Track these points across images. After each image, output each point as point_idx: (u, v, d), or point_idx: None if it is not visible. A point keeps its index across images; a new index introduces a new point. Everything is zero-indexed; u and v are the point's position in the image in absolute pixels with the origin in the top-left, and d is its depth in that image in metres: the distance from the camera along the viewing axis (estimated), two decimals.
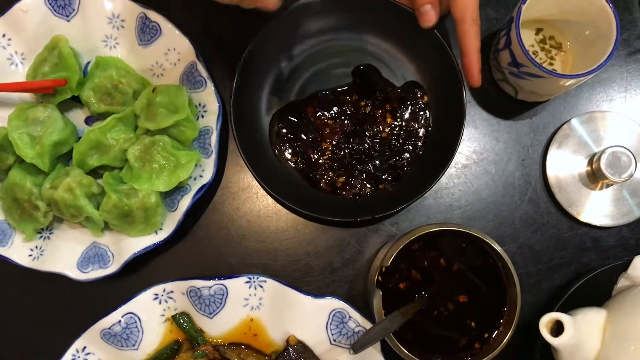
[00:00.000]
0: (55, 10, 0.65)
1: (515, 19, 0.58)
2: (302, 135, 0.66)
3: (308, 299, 0.60)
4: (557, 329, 0.55)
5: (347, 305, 0.60)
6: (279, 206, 0.66)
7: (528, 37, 0.67)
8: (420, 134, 0.66)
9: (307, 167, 0.66)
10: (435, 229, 0.56)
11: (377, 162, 0.65)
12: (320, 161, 0.66)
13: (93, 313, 0.62)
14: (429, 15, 0.59)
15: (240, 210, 0.66)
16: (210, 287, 0.60)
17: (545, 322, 0.54)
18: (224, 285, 0.60)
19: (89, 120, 0.66)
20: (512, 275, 0.56)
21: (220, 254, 0.66)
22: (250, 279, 0.61)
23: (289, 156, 0.66)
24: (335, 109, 0.66)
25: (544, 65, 0.65)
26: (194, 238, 0.66)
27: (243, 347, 0.62)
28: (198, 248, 0.66)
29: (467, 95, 0.63)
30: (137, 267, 0.64)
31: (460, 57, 0.59)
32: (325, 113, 0.66)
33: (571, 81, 0.59)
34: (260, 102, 0.67)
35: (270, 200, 0.66)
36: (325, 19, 0.67)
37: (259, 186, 0.66)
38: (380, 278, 0.57)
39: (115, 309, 0.60)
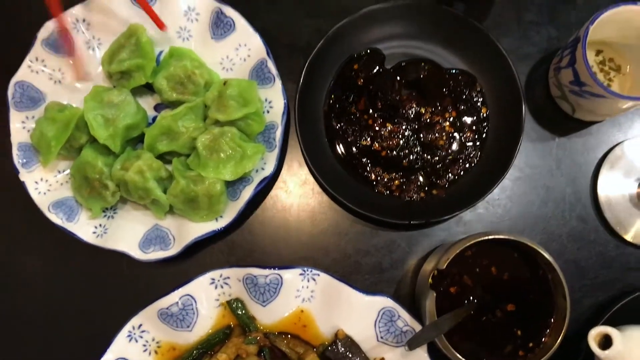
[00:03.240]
0: (133, 0, 0.67)
1: (582, 39, 0.60)
2: (360, 136, 0.68)
3: (359, 295, 0.62)
4: (605, 342, 0.56)
5: (397, 305, 0.62)
6: (333, 203, 0.68)
7: (588, 58, 0.68)
8: (477, 144, 0.68)
9: (364, 167, 0.67)
10: (490, 237, 0.57)
11: (433, 167, 0.67)
12: (377, 162, 0.67)
13: (147, 292, 0.65)
14: None
15: (296, 204, 0.68)
16: (266, 276, 0.62)
17: (594, 335, 0.56)
18: (279, 275, 0.62)
19: (158, 107, 0.69)
20: (562, 287, 0.57)
21: (274, 244, 0.68)
22: (304, 271, 0.63)
23: (346, 156, 0.68)
24: (395, 111, 0.68)
25: None
26: (250, 228, 0.68)
27: (291, 337, 0.64)
28: (253, 237, 0.68)
29: (525, 112, 0.65)
30: (192, 250, 0.66)
31: None
32: (386, 115, 0.68)
33: (630, 103, 0.61)
34: (322, 101, 0.69)
35: (325, 197, 0.68)
36: (390, 26, 0.69)
37: (316, 183, 0.68)
38: (431, 280, 0.59)
39: (174, 290, 0.62)
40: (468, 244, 0.57)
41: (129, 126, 0.64)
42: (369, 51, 0.69)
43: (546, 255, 0.57)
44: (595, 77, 0.59)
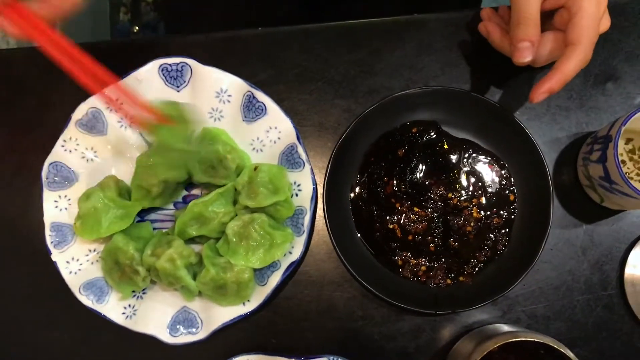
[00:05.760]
0: (167, 81, 0.68)
1: (614, 138, 0.60)
2: (386, 219, 0.68)
3: None
4: None
5: None
6: (360, 287, 0.68)
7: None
8: (504, 231, 0.68)
9: (391, 251, 0.68)
10: (517, 339, 0.58)
11: (459, 254, 0.67)
12: (404, 246, 0.68)
13: None
14: (525, 52, 0.59)
15: (322, 286, 0.69)
16: None
17: None
18: None
19: (188, 187, 0.70)
20: None
21: (300, 327, 0.68)
22: (329, 359, 0.63)
23: (372, 239, 0.68)
24: (422, 196, 0.68)
25: (631, 175, 0.67)
26: (275, 309, 0.69)
27: None
28: (278, 319, 0.68)
29: (554, 200, 0.65)
30: (217, 331, 0.67)
31: (550, 70, 0.59)
32: (412, 200, 0.68)
33: None
34: (350, 183, 0.70)
35: (351, 280, 0.69)
36: (420, 111, 0.70)
37: (343, 266, 0.68)
38: None
39: None
40: (496, 345, 0.58)
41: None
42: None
43: (571, 355, 0.57)
44: (626, 179, 0.59)
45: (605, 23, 0.62)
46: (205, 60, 0.68)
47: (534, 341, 0.58)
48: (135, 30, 1.60)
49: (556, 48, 0.62)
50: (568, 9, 0.60)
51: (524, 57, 0.60)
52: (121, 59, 0.71)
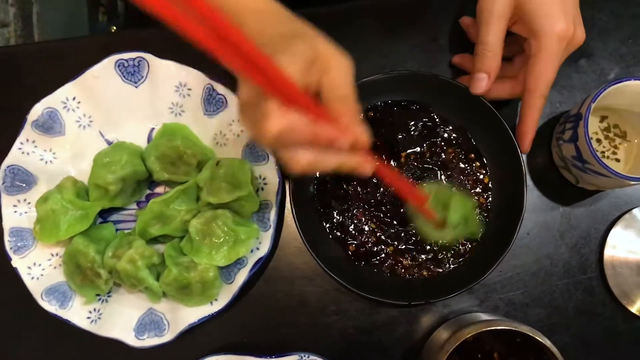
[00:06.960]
0: (124, 77, 0.66)
1: (584, 116, 0.58)
2: (354, 211, 0.66)
3: None
4: None
5: None
6: (332, 280, 0.66)
7: (592, 125, 0.66)
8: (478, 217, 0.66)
9: (360, 243, 0.66)
10: (493, 328, 0.56)
11: (434, 245, 0.65)
12: (374, 238, 0.66)
13: None
14: (481, 84, 0.61)
15: (292, 281, 0.67)
16: None
17: None
18: None
19: (152, 185, 0.68)
20: None
21: (271, 325, 0.66)
22: (301, 357, 0.61)
23: (341, 232, 0.66)
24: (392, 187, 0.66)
25: (606, 153, 0.65)
26: (246, 307, 0.67)
27: None
28: (249, 317, 0.66)
29: (527, 181, 0.63)
30: (186, 330, 0.65)
31: (518, 122, 0.62)
32: (384, 193, 0.66)
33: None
34: (316, 176, 0.67)
35: (323, 273, 0.67)
36: (388, 95, 0.67)
37: (313, 260, 0.66)
38: None
39: None
40: (469, 335, 0.56)
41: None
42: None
43: (547, 343, 0.55)
44: (598, 158, 0.57)
45: (580, 37, 0.59)
46: (163, 54, 0.66)
47: (510, 329, 0.56)
48: (113, 30, 1.58)
49: (514, 93, 0.63)
50: (527, 49, 0.60)
51: (479, 88, 0.61)
52: (77, 58, 0.69)
